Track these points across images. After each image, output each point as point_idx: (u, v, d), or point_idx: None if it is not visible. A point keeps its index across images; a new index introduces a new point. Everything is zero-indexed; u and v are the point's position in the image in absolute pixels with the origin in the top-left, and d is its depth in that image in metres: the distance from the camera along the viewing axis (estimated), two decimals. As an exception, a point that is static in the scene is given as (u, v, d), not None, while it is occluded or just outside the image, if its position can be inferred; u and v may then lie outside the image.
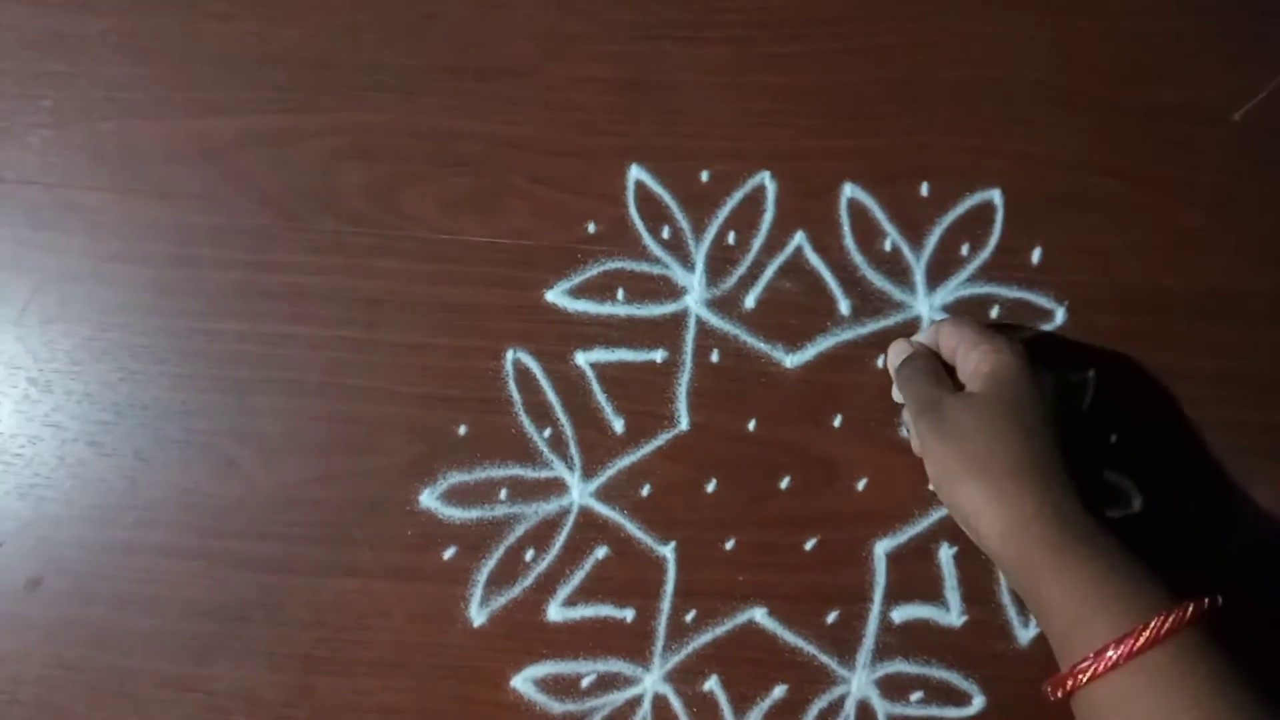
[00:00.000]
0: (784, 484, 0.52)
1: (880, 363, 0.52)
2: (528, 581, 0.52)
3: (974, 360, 0.46)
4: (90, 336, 0.51)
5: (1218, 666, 0.38)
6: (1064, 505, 0.43)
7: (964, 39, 0.53)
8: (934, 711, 0.52)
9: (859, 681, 0.52)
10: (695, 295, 0.52)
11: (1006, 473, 0.43)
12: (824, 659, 0.52)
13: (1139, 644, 0.38)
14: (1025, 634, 0.52)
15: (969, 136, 0.52)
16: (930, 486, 0.48)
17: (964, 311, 0.52)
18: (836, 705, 0.52)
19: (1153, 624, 0.38)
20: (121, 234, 0.51)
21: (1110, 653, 0.38)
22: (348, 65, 0.52)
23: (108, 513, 0.51)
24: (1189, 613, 0.38)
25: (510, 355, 0.52)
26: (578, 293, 0.52)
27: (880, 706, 0.51)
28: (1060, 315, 0.52)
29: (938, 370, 0.48)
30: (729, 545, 0.52)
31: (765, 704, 0.52)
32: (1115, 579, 0.40)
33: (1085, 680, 0.39)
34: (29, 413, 0.51)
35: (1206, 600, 0.39)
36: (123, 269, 0.51)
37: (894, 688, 0.52)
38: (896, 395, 0.51)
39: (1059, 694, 0.41)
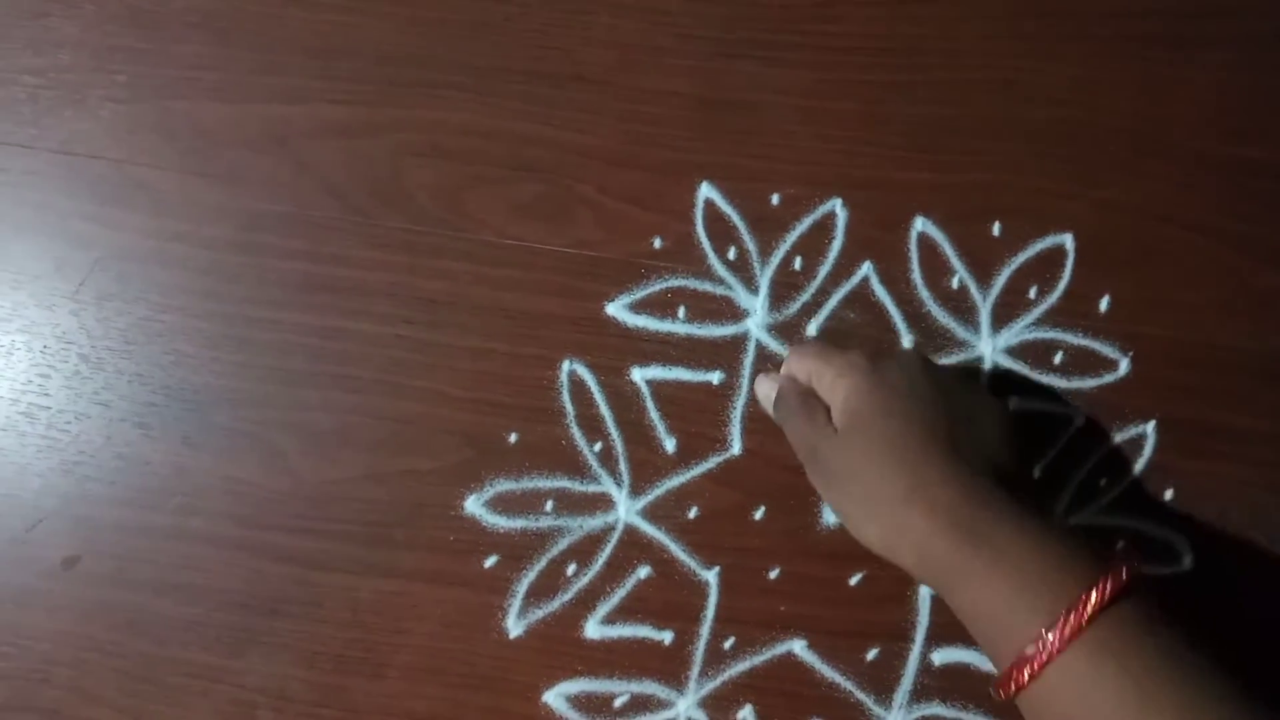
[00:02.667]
0: (832, 517, 0.51)
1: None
2: (568, 596, 0.51)
3: (826, 390, 0.46)
4: (146, 316, 0.51)
5: (1169, 631, 0.37)
6: (959, 506, 0.40)
7: (1051, 80, 0.52)
8: (968, 757, 0.51)
9: (894, 721, 0.51)
10: (757, 319, 0.52)
11: (895, 501, 0.42)
12: (860, 696, 0.51)
13: (1079, 620, 0.36)
14: (1066, 686, 0.51)
15: (1048, 179, 0.52)
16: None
17: (1028, 358, 0.52)
18: (870, 744, 0.51)
19: (1087, 598, 0.36)
20: (186, 215, 0.51)
21: (1050, 635, 0.36)
22: (425, 61, 0.51)
23: (150, 496, 0.50)
24: (1120, 580, 0.36)
25: (566, 366, 0.51)
26: (639, 308, 0.52)
27: (914, 748, 0.51)
28: (1124, 366, 0.52)
29: (809, 406, 0.46)
30: (773, 574, 0.51)
31: (798, 737, 0.51)
32: (1034, 565, 0.38)
33: (1038, 669, 0.37)
34: (79, 389, 0.51)
35: (1129, 566, 0.37)
36: (184, 251, 0.51)
37: (929, 730, 0.51)
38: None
39: (1004, 693, 0.38)
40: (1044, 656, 0.37)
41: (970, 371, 0.52)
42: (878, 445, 0.43)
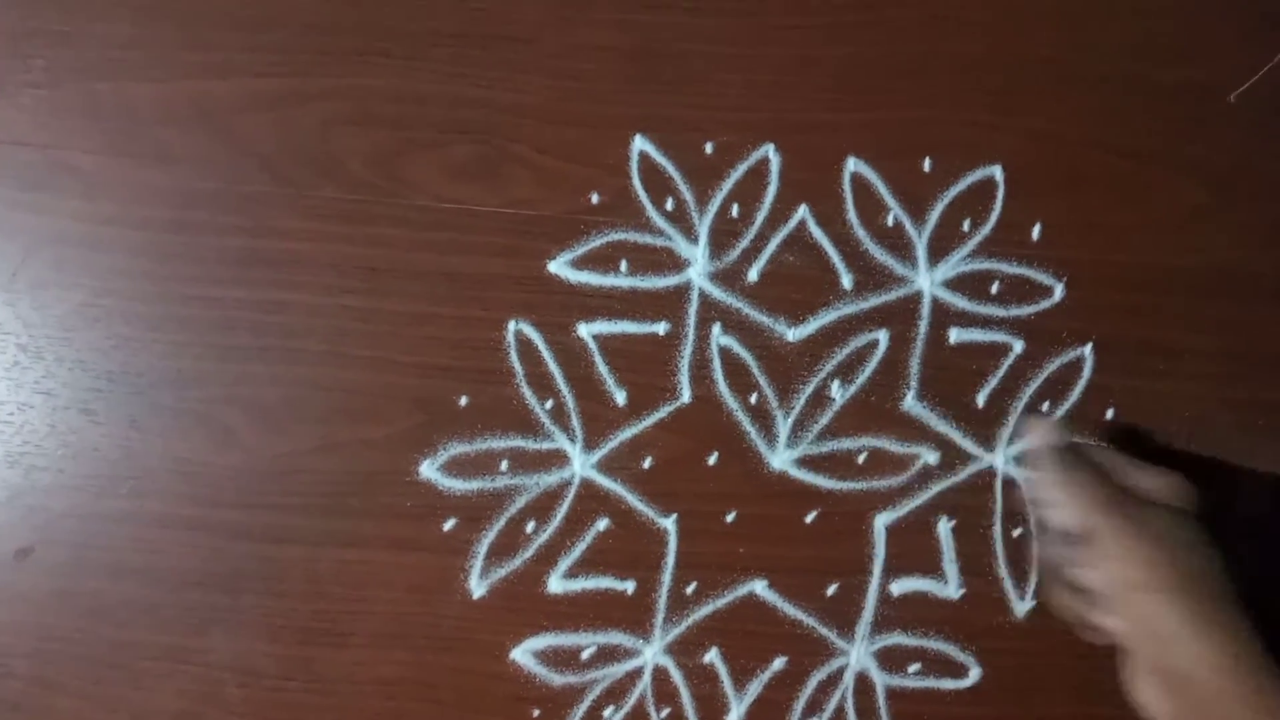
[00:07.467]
0: (780, 461, 0.52)
1: (882, 338, 0.52)
2: (528, 553, 0.51)
3: (1148, 477, 0.47)
4: (83, 302, 0.50)
5: None
6: (1260, 646, 0.42)
7: (973, 14, 0.53)
8: (931, 683, 0.52)
9: (858, 653, 0.52)
10: (698, 268, 0.52)
11: (1213, 596, 0.42)
12: (823, 631, 0.52)
13: None
14: (1022, 606, 0.52)
15: (974, 112, 0.52)
16: (1098, 589, 0.46)
17: (965, 290, 0.52)
18: (835, 677, 0.52)
19: None
20: (117, 198, 0.50)
21: None
22: (350, 29, 0.51)
23: (101, 482, 0.50)
24: None
25: (512, 326, 0.51)
26: (580, 264, 0.52)
27: (879, 678, 0.52)
28: (1059, 291, 0.53)
29: (1116, 467, 0.48)
30: (730, 518, 0.52)
31: (765, 675, 0.52)
32: None
33: None
34: (19, 380, 0.50)
35: None
36: (118, 233, 0.50)
37: (892, 659, 0.52)
38: (1029, 481, 0.50)
39: None
40: None
41: None
42: (1204, 538, 0.44)
